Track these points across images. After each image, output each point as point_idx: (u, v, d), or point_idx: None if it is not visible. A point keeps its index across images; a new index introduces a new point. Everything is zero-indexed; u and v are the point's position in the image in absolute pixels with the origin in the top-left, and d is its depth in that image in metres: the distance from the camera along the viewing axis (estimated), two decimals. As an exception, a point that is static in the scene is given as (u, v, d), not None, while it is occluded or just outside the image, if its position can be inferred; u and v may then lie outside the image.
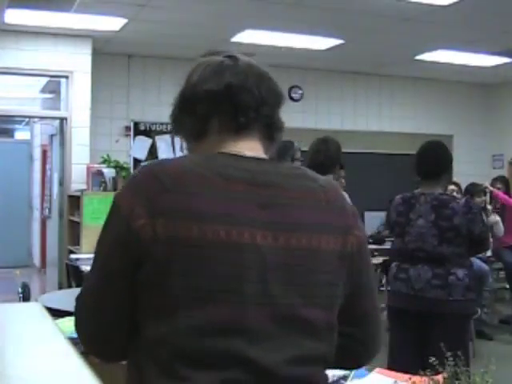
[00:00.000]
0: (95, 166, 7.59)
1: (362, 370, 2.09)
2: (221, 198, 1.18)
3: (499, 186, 7.00)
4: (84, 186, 7.30)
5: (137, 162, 8.72)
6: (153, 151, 8.77)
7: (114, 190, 7.35)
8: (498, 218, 6.35)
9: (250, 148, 1.30)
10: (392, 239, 4.22)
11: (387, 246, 7.47)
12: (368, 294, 1.34)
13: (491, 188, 6.83)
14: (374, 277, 1.39)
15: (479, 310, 5.78)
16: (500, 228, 6.39)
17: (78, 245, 6.71)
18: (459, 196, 4.96)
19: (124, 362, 1.27)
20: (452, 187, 6.11)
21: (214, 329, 1.13)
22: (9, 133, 13.21)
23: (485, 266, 6.26)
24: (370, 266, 1.37)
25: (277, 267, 1.18)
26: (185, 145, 1.37)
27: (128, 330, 1.20)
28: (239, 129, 1.29)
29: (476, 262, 5.02)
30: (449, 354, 1.81)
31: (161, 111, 8.82)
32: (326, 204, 1.27)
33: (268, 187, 1.22)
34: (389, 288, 3.86)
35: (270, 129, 1.36)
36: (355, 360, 1.42)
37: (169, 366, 1.13)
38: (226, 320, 1.14)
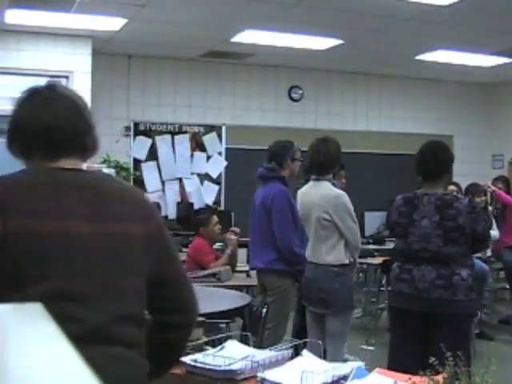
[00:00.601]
0: (95, 166, 7.57)
1: (362, 370, 2.09)
2: (53, 199, 1.57)
3: (500, 185, 6.99)
4: (84, 186, 7.30)
5: (137, 161, 8.72)
6: (153, 151, 8.77)
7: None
8: (494, 233, 6.40)
9: (70, 164, 1.66)
10: (393, 239, 4.22)
11: (387, 246, 7.48)
12: (171, 262, 1.73)
13: (493, 187, 6.82)
14: (175, 249, 1.78)
15: (479, 312, 5.77)
16: (496, 236, 6.46)
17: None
18: (461, 196, 4.95)
19: None
20: (452, 187, 6.10)
21: (52, 297, 1.46)
22: (9, 133, 13.22)
23: (485, 266, 6.26)
24: (170, 241, 1.76)
25: (97, 248, 1.57)
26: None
27: None
28: (56, 156, 1.66)
29: (476, 262, 5.02)
30: (455, 353, 1.81)
31: (161, 111, 8.83)
32: (131, 199, 1.69)
33: (87, 189, 1.61)
34: (389, 288, 3.85)
35: (84, 151, 1.71)
36: (177, 322, 1.74)
37: None
38: (60, 290, 1.50)
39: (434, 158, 3.57)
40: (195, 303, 1.77)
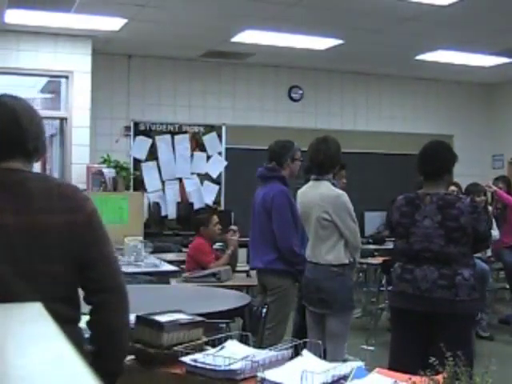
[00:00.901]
0: (95, 165, 7.58)
1: (362, 370, 2.09)
2: None
3: (501, 185, 6.99)
4: (84, 186, 7.29)
5: (137, 161, 8.72)
6: (153, 151, 8.77)
7: (114, 189, 7.35)
8: (494, 233, 6.38)
9: (10, 166, 1.88)
10: (393, 239, 4.20)
11: (387, 246, 7.47)
12: (99, 246, 1.91)
13: (494, 187, 6.81)
14: (104, 235, 1.93)
15: (479, 313, 5.76)
16: (496, 236, 6.44)
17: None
18: (463, 196, 4.95)
19: None
20: (452, 188, 6.09)
21: None
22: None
23: (485, 266, 6.25)
24: (101, 229, 1.93)
25: (20, 237, 1.78)
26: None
27: None
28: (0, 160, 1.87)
29: (476, 262, 5.01)
30: (455, 353, 1.81)
31: (161, 111, 8.83)
32: (59, 195, 1.87)
33: (16, 186, 1.84)
34: (389, 288, 3.85)
35: (27, 155, 1.91)
36: (104, 301, 1.90)
37: None
38: None
39: (435, 158, 3.57)
40: (121, 283, 1.93)
